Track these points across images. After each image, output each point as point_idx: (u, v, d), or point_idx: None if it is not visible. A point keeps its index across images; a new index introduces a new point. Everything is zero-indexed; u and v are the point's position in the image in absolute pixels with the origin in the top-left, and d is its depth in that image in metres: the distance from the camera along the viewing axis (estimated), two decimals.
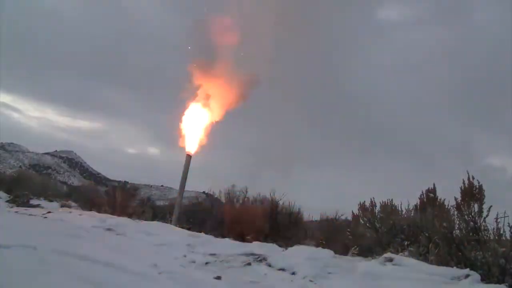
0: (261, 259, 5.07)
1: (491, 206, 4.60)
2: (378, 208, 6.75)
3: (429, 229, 5.02)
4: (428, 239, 5.00)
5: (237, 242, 6.94)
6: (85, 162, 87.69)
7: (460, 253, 4.52)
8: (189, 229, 9.33)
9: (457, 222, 4.82)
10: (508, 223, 4.34)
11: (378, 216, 6.57)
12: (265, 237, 8.76)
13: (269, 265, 4.76)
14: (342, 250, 6.46)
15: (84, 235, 6.80)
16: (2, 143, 76.82)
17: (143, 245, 6.61)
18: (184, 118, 10.61)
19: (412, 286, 3.68)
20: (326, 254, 5.12)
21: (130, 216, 11.50)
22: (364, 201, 6.95)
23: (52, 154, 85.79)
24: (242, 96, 10.70)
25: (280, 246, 6.48)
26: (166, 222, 9.90)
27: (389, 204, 6.63)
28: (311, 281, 4.03)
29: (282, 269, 4.53)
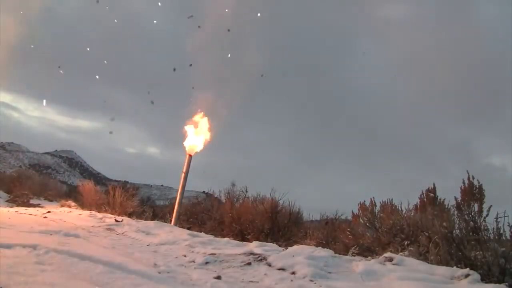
0: (261, 258, 5.07)
1: (491, 206, 4.60)
2: (378, 208, 6.75)
3: (429, 229, 5.02)
4: (428, 239, 5.00)
5: (237, 242, 6.94)
6: (85, 162, 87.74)
7: (460, 253, 4.51)
8: (189, 229, 9.33)
9: (457, 222, 4.82)
10: (508, 223, 4.34)
11: (378, 216, 6.57)
12: (265, 237, 8.75)
13: (269, 265, 4.76)
14: (342, 250, 6.45)
15: (84, 235, 6.81)
16: (2, 142, 76.81)
17: (143, 245, 6.61)
18: (185, 118, 10.61)
19: (412, 285, 3.68)
20: (326, 253, 5.12)
21: (130, 215, 11.51)
22: (364, 201, 6.95)
23: (52, 154, 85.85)
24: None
25: (280, 246, 6.47)
26: (166, 222, 9.90)
27: (389, 204, 6.63)
28: (311, 280, 4.03)
29: (282, 269, 4.53)
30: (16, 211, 10.96)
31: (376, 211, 6.63)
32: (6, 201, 14.82)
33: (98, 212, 11.57)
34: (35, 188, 16.61)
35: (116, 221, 9.38)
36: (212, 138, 10.52)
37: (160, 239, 7.13)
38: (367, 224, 6.55)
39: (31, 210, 11.72)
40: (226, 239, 7.17)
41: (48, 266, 3.93)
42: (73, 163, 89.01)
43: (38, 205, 14.15)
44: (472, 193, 4.73)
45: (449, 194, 5.29)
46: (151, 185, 65.66)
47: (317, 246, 5.93)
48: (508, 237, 4.42)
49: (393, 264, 4.56)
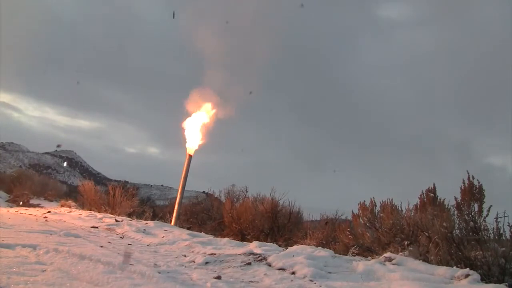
0: (261, 258, 5.07)
1: (491, 206, 4.60)
2: (378, 208, 6.73)
3: (429, 229, 5.02)
4: (428, 239, 5.00)
5: (237, 242, 6.94)
6: (85, 162, 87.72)
7: (460, 253, 4.51)
8: (189, 229, 9.34)
9: (457, 222, 4.82)
10: (508, 223, 4.34)
11: (378, 216, 6.56)
12: (265, 237, 8.75)
13: (269, 265, 4.76)
14: (342, 250, 6.45)
15: (84, 235, 6.81)
16: (2, 142, 76.86)
17: (143, 245, 6.62)
18: (185, 118, 10.63)
19: (412, 285, 3.68)
20: (326, 253, 5.12)
21: (130, 215, 11.52)
22: (364, 201, 6.93)
23: (52, 154, 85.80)
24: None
25: (280, 246, 6.47)
26: (166, 222, 9.90)
27: (389, 204, 6.61)
28: (311, 280, 4.03)
29: (282, 269, 4.53)
30: (16, 211, 10.98)
31: (376, 211, 6.61)
32: (6, 201, 14.85)
33: (98, 212, 11.57)
34: (35, 188, 16.62)
35: (116, 221, 9.38)
36: (211, 137, 10.53)
37: (160, 239, 7.13)
38: (367, 224, 6.55)
39: (31, 210, 11.74)
40: (226, 239, 7.17)
41: (48, 266, 3.94)
42: (73, 163, 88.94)
43: (38, 205, 14.17)
44: (472, 193, 4.73)
45: (449, 194, 5.29)
46: (151, 185, 65.67)
47: (317, 246, 5.92)
48: (508, 237, 4.42)
49: (393, 264, 4.56)
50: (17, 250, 4.61)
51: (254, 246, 5.75)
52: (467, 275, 3.91)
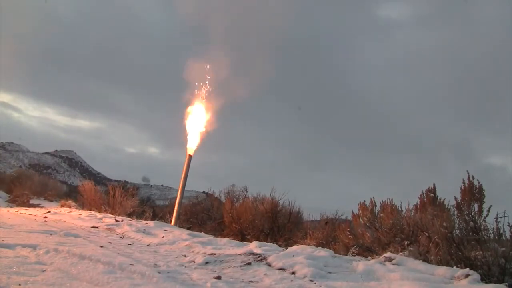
0: (261, 258, 5.07)
1: (491, 206, 4.60)
2: (378, 208, 6.73)
3: (429, 229, 5.02)
4: (428, 239, 5.00)
5: (237, 242, 6.94)
6: (85, 162, 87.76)
7: (460, 253, 4.51)
8: (189, 229, 9.34)
9: (457, 222, 4.82)
10: (508, 223, 4.34)
11: (378, 216, 6.56)
12: (265, 237, 8.75)
13: (269, 265, 4.76)
14: (342, 250, 6.45)
15: (84, 235, 6.81)
16: (2, 142, 76.87)
17: (143, 245, 6.62)
18: (185, 117, 10.62)
19: (412, 285, 3.68)
20: (326, 253, 5.12)
21: (130, 215, 11.51)
22: (364, 201, 6.94)
23: (52, 154, 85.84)
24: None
25: (280, 246, 6.47)
26: (166, 222, 9.90)
27: (389, 204, 6.61)
28: (311, 280, 4.03)
29: (282, 269, 4.53)
30: (16, 211, 10.98)
31: (376, 211, 6.62)
32: (6, 201, 14.85)
33: (98, 212, 11.57)
34: (35, 188, 16.61)
35: (116, 221, 9.38)
36: (211, 137, 10.53)
37: (160, 239, 7.13)
38: (367, 224, 6.55)
39: (31, 210, 11.74)
40: (226, 239, 7.17)
41: (48, 266, 3.94)
42: (73, 163, 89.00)
43: (38, 205, 14.17)
44: (472, 193, 4.73)
45: (449, 194, 5.29)
46: (151, 185, 65.73)
47: (317, 246, 5.92)
48: (508, 237, 4.42)
49: (393, 264, 4.56)
50: (17, 250, 4.61)
51: (254, 246, 5.75)
52: (467, 275, 3.91)
